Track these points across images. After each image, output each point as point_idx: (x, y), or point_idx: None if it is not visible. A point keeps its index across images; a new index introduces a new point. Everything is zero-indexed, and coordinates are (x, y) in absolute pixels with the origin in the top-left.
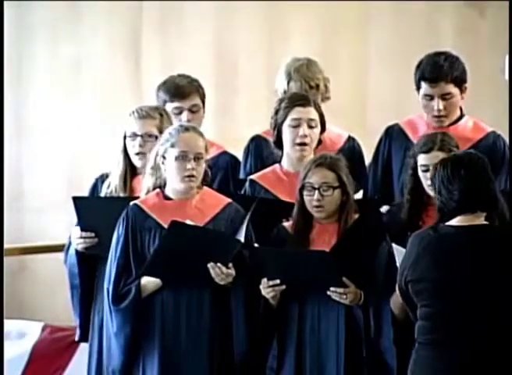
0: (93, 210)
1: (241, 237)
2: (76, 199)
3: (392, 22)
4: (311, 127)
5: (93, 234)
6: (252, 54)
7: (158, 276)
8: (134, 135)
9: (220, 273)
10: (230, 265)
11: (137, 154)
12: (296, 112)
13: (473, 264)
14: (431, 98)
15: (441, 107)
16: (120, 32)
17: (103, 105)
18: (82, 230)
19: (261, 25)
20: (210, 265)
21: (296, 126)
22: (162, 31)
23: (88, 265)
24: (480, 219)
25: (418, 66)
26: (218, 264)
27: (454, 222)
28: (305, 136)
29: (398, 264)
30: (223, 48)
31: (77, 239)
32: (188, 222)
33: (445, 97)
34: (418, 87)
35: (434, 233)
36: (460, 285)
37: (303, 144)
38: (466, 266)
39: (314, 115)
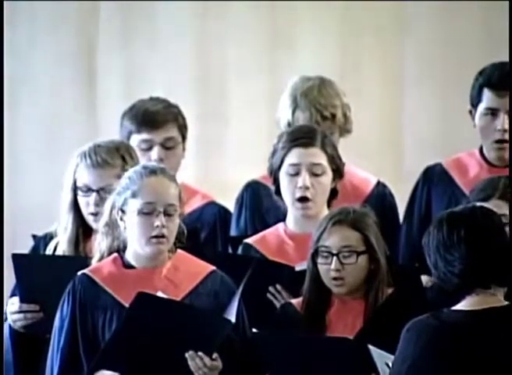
0: (38, 273)
1: (232, 316)
2: (16, 257)
3: (436, 28)
4: (315, 175)
5: (37, 307)
6: (247, 71)
7: (118, 370)
8: (88, 190)
9: (202, 365)
10: (216, 355)
11: (93, 214)
12: (295, 156)
13: (497, 366)
14: (494, 113)
15: (507, 126)
16: (68, 42)
17: (45, 139)
18: (22, 300)
19: (259, 32)
20: (189, 354)
21: (295, 175)
22: (125, 41)
23: (28, 350)
24: (498, 299)
25: (481, 73)
26: (200, 353)
27: (463, 305)
28: (306, 188)
29: (380, 370)
30: (208, 64)
31: (15, 314)
32: (160, 294)
33: None
34: (477, 102)
35: (436, 323)
36: None
37: (303, 198)
38: (487, 369)
39: (319, 158)
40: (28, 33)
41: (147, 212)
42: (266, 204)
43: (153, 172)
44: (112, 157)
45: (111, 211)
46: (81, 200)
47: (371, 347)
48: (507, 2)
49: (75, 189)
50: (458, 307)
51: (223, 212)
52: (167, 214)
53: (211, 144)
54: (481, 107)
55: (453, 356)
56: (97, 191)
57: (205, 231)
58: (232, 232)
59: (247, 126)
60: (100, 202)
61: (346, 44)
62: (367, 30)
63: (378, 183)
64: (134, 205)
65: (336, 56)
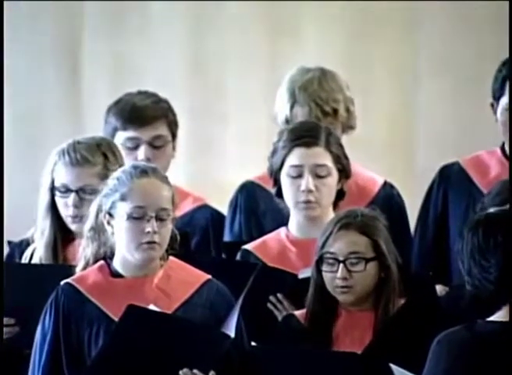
0: (15, 284)
1: (231, 330)
2: None
3: (450, 21)
4: (319, 177)
5: (11, 321)
6: (245, 63)
7: None
8: (66, 190)
9: None
10: (212, 372)
11: (72, 217)
12: (297, 156)
13: None
14: None
15: None
16: (52, 37)
17: (27, 138)
18: None
19: (260, 20)
20: (183, 371)
21: (297, 177)
22: (112, 31)
23: (5, 367)
24: None
25: (504, 64)
26: (195, 370)
27: (498, 316)
28: (309, 191)
29: None
30: (202, 58)
31: None
32: (152, 307)
33: None
34: (500, 95)
35: (469, 335)
36: None
37: (307, 201)
38: None
39: (323, 158)
40: (9, 27)
41: (137, 217)
42: (262, 206)
43: (144, 172)
44: (92, 154)
45: (97, 214)
46: (59, 201)
47: (393, 366)
48: (507, 2)
49: (52, 189)
50: (494, 318)
51: (216, 215)
52: (159, 219)
53: (206, 143)
54: (504, 101)
55: (487, 371)
56: (76, 192)
57: (197, 236)
58: (226, 237)
59: (245, 123)
60: (79, 204)
61: (354, 35)
62: (376, 19)
63: (385, 183)
64: (123, 208)
65: (343, 48)
